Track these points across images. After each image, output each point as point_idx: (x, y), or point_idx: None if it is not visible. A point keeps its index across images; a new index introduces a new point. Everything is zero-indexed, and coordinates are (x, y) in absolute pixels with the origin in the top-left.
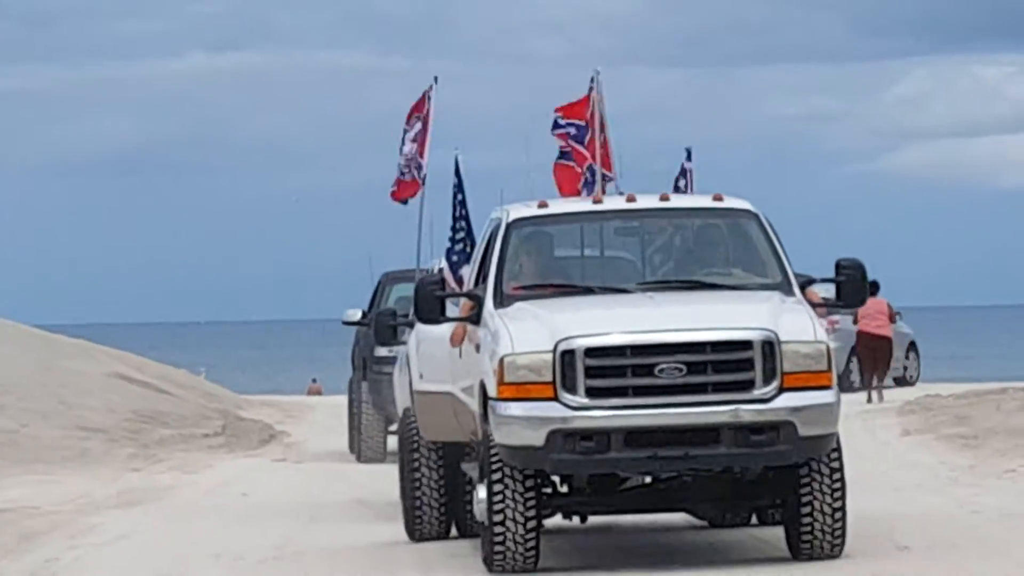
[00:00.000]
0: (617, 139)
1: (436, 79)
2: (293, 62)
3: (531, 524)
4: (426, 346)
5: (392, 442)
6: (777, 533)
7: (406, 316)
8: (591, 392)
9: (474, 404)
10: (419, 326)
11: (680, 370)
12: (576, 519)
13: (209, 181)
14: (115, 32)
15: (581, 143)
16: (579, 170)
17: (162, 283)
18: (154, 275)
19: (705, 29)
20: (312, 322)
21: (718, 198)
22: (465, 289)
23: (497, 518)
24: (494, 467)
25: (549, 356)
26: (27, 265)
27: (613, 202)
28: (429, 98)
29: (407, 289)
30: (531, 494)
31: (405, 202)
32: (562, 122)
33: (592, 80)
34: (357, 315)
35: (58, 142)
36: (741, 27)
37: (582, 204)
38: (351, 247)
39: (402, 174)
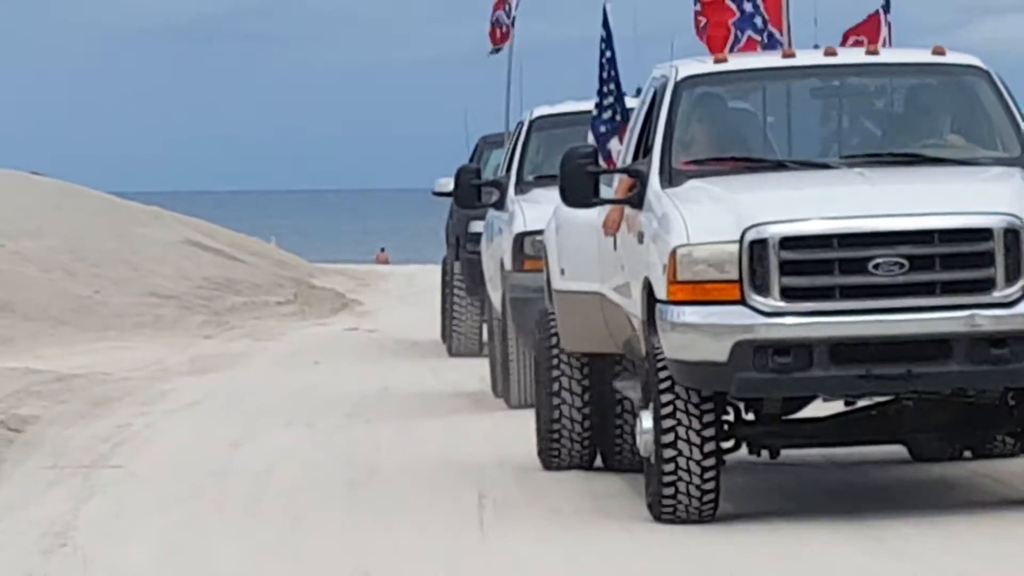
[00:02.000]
0: None
1: None
2: None
3: (710, 461)
4: (569, 234)
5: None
6: (1006, 467)
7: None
8: (787, 293)
9: (634, 308)
10: (560, 209)
11: (901, 266)
12: (764, 453)
13: (284, 50)
14: None
15: None
16: (729, 26)
17: (236, 151)
18: (228, 144)
19: None
20: (401, 192)
21: (939, 51)
22: (616, 165)
23: (668, 453)
24: (663, 389)
25: (734, 248)
26: (102, 132)
27: (808, 56)
28: None
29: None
30: (710, 422)
31: (498, 50)
32: None
33: None
34: (450, 184)
35: (134, 7)
36: None
37: (769, 59)
38: (441, 115)
39: (496, 21)
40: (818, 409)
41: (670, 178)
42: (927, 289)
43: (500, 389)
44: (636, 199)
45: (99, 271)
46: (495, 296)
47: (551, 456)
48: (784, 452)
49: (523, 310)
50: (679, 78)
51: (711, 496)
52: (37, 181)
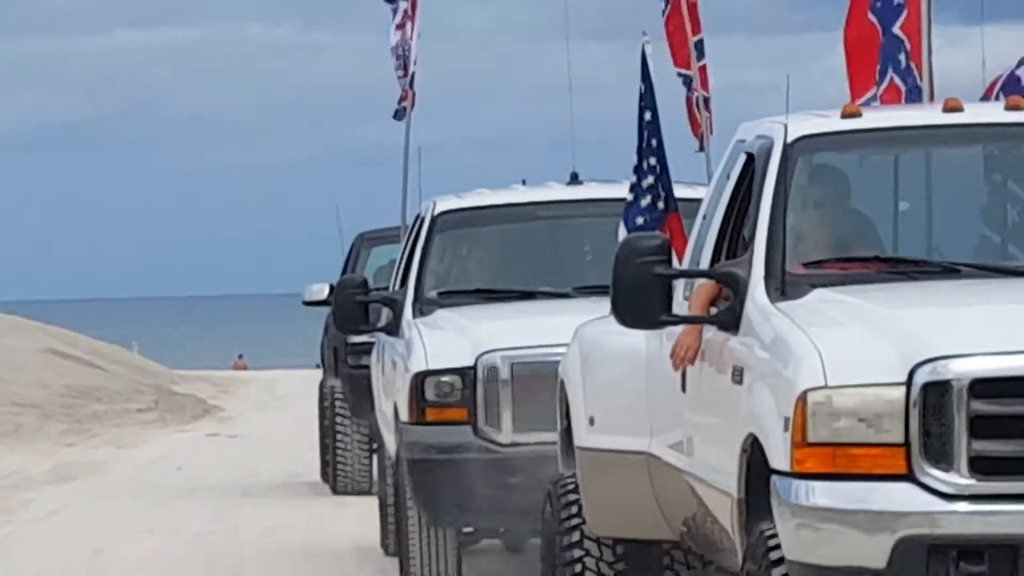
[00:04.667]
0: None
1: None
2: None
3: None
4: (602, 367)
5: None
6: None
7: (385, 289)
8: (980, 465)
9: (718, 478)
10: (586, 331)
11: None
12: None
13: (141, 155)
14: (44, 8)
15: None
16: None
17: (96, 258)
18: (87, 251)
19: None
20: (269, 297)
21: None
22: (682, 266)
23: None
24: None
25: (899, 393)
26: None
27: (978, 112)
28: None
29: (391, 253)
30: None
31: (399, 116)
32: None
33: None
34: (324, 291)
35: None
36: None
37: (922, 115)
38: (309, 217)
39: (400, 78)
40: None
41: (782, 286)
42: None
43: (388, 547)
44: (727, 317)
45: None
46: (388, 440)
47: None
48: None
49: (425, 478)
50: (790, 140)
51: None
52: None
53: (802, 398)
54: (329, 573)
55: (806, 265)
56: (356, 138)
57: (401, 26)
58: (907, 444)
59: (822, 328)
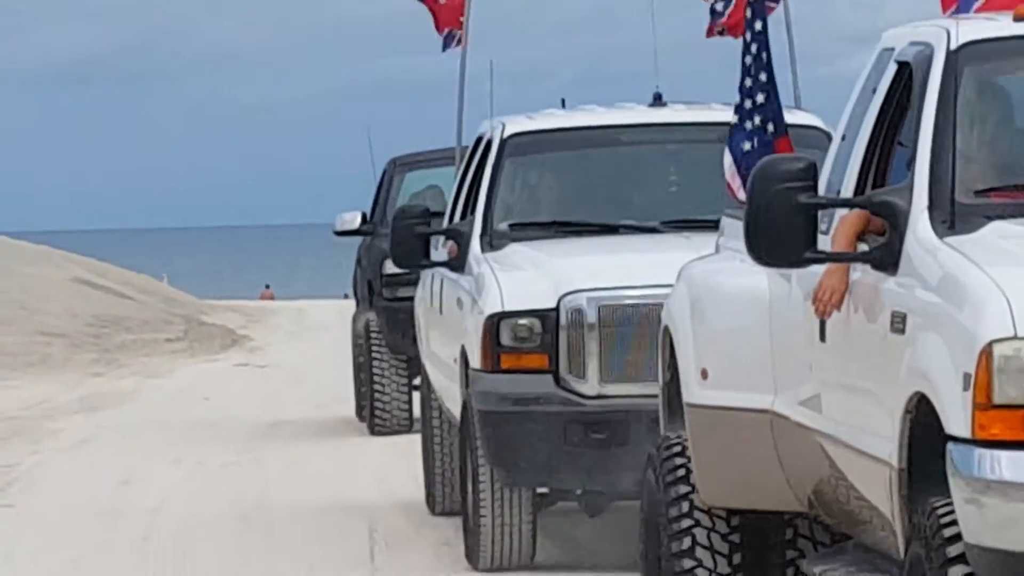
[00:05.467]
0: None
1: None
2: None
3: None
4: (717, 314)
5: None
6: None
7: (440, 214)
8: None
9: (871, 444)
10: (695, 270)
11: None
12: None
13: (169, 88)
14: None
15: None
16: None
17: (123, 189)
18: (114, 182)
19: None
20: (300, 227)
21: None
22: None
23: None
24: None
25: None
26: None
27: None
28: None
29: (425, 179)
30: None
31: (447, 43)
32: None
33: None
34: (356, 220)
35: (11, 53)
36: None
37: None
38: (339, 150)
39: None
40: None
41: (951, 218)
42: None
43: (436, 504)
44: (883, 255)
45: None
46: (444, 386)
47: None
48: None
49: (499, 431)
50: (954, 47)
51: None
52: None
53: (987, 350)
54: (355, 505)
55: (977, 193)
56: (384, 69)
57: None
58: None
59: (1007, 267)
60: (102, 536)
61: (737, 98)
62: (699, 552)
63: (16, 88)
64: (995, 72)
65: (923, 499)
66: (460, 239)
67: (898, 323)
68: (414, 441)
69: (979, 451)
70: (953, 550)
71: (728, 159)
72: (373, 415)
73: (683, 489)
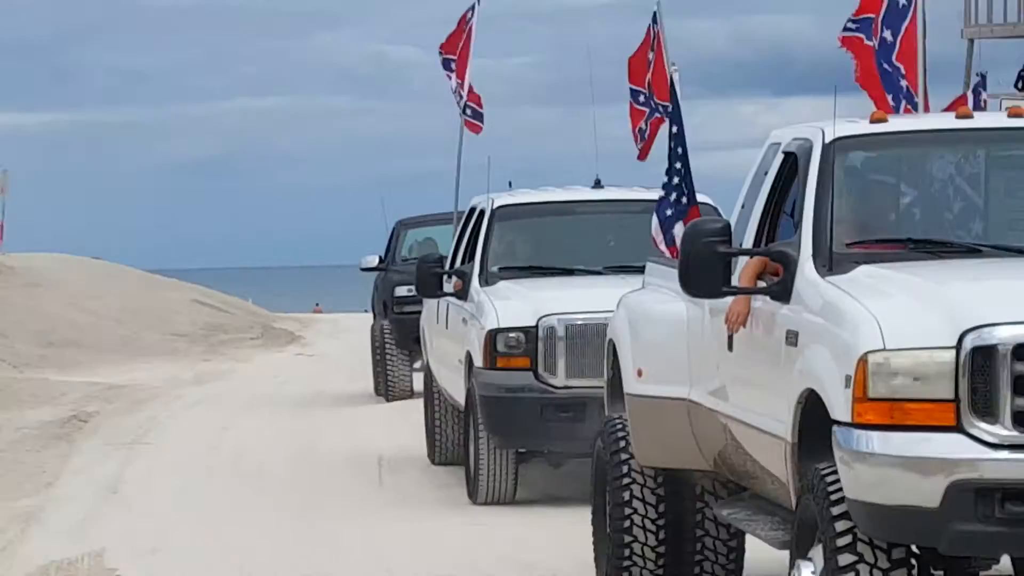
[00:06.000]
0: None
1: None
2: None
3: None
4: (648, 329)
5: (418, 380)
6: None
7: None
8: (1022, 419)
9: (774, 426)
10: (631, 300)
11: None
12: None
13: (254, 177)
14: None
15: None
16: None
17: (223, 238)
18: (212, 231)
19: None
20: (329, 268)
21: None
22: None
23: None
24: (840, 539)
25: (949, 356)
26: (129, 223)
27: (988, 118)
28: (469, 19)
29: (422, 233)
30: None
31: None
32: (851, 24)
33: None
34: (374, 261)
35: (151, 149)
36: None
37: (938, 120)
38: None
39: (463, 111)
40: None
41: (829, 263)
42: None
43: (434, 455)
44: (779, 289)
45: (136, 319)
46: (448, 377)
47: None
48: None
49: (495, 409)
50: (827, 141)
51: None
52: (97, 263)
53: (864, 358)
54: (369, 447)
55: (848, 245)
56: (393, 169)
57: (455, 69)
58: (956, 400)
59: (874, 298)
60: (209, 462)
61: (665, 179)
62: (635, 502)
63: (167, 173)
64: (857, 159)
65: (810, 465)
66: (464, 277)
67: (791, 338)
68: (410, 406)
69: (857, 432)
70: (835, 498)
71: (655, 221)
72: (388, 387)
73: (623, 456)
